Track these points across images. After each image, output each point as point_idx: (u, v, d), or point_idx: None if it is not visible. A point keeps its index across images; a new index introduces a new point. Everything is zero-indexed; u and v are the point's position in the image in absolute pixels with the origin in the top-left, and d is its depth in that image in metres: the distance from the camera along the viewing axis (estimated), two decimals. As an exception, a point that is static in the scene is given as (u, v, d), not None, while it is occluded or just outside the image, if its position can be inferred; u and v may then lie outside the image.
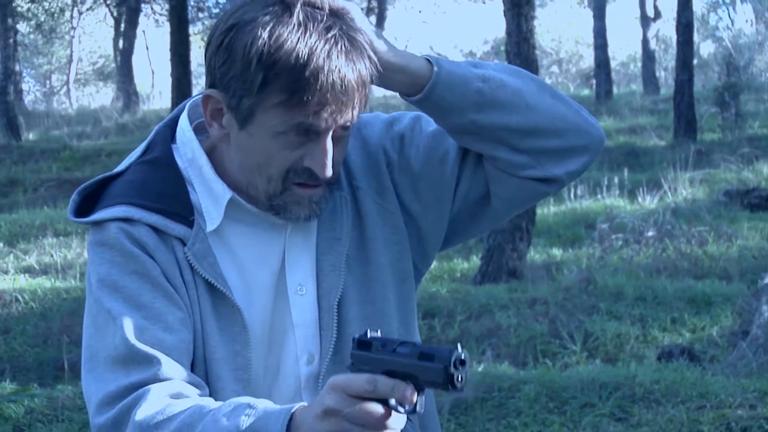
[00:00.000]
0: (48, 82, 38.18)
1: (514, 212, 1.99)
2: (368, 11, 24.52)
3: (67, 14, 29.40)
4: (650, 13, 23.37)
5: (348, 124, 1.72)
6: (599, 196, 11.68)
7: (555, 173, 1.85)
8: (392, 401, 1.49)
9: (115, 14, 25.93)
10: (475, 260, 9.28)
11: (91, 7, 29.37)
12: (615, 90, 22.70)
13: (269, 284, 1.80)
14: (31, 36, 30.93)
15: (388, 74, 1.76)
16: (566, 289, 7.86)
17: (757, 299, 6.94)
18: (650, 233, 9.28)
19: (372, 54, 1.72)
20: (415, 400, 1.48)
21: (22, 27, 26.17)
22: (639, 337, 6.99)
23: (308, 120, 1.67)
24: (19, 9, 23.43)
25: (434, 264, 9.38)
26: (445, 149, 1.88)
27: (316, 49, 1.64)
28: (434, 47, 36.62)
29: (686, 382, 5.68)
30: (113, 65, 30.31)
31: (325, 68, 1.64)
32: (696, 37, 20.59)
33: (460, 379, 1.43)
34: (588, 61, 29.90)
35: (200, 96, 1.79)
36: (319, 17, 1.67)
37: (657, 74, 24.50)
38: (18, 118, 18.99)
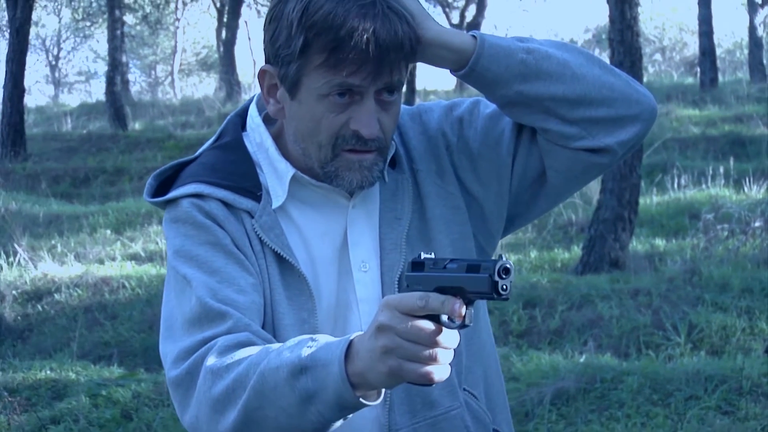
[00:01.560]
0: (153, 72, 38.93)
1: (574, 188, 2.01)
2: (468, 0, 24.42)
3: (172, 5, 29.91)
4: (758, -1, 22.83)
5: (390, 87, 1.78)
6: (704, 186, 11.46)
7: (606, 143, 1.88)
8: (443, 317, 1.52)
9: (218, 5, 26.27)
10: (576, 250, 9.19)
11: (194, -1, 29.85)
12: (720, 78, 22.25)
13: (332, 259, 1.87)
14: (137, 27, 31.54)
15: (433, 50, 1.83)
16: (670, 279, 7.74)
17: None
18: (757, 223, 9.09)
19: (411, 20, 1.78)
20: (464, 313, 1.52)
21: (128, 18, 26.69)
22: (745, 330, 6.85)
23: (347, 79, 1.74)
24: (125, 1, 23.90)
25: (535, 253, 9.37)
26: (501, 128, 1.94)
27: (351, 10, 1.72)
28: (535, 35, 36.43)
29: (795, 375, 5.56)
30: (216, 56, 30.76)
31: (360, 27, 1.72)
32: (805, 23, 20.08)
33: (505, 288, 1.49)
34: (692, 48, 29.39)
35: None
36: None
37: (764, 62, 23.94)
38: (124, 108, 19.37)
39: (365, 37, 1.71)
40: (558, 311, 7.39)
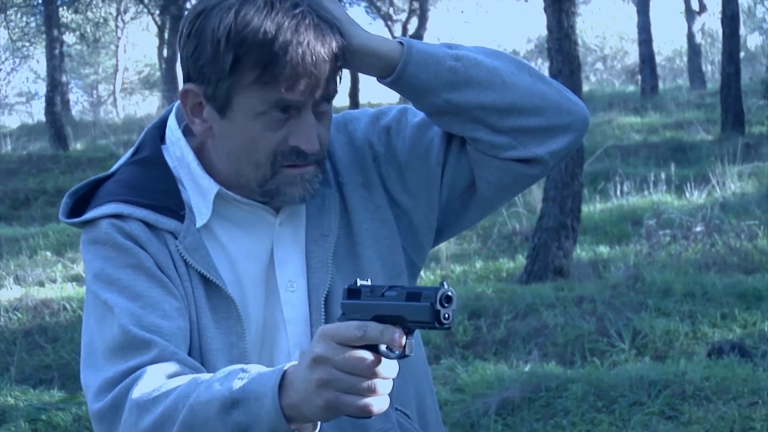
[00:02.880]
0: (95, 92, 38.62)
1: (503, 198, 1.96)
2: (410, 12, 24.49)
3: (112, 24, 29.69)
4: (695, 6, 23.14)
5: (327, 97, 1.73)
6: (646, 192, 11.56)
7: (537, 153, 1.83)
8: (382, 347, 1.47)
9: (158, 22, 26.12)
10: (521, 259, 9.21)
11: (134, 16, 29.67)
12: (661, 85, 22.53)
13: (259, 279, 1.80)
14: (77, 47, 31.28)
15: (360, 57, 1.78)
16: (613, 286, 7.78)
17: (809, 293, 6.82)
18: (698, 228, 9.16)
19: (341, 28, 1.73)
20: (404, 343, 1.46)
21: (67, 38, 26.46)
22: (688, 334, 6.88)
23: (285, 95, 1.68)
24: (63, 20, 23.68)
25: (480, 264, 9.38)
26: (430, 138, 1.88)
27: (283, 24, 1.66)
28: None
29: (737, 378, 5.58)
30: (158, 73, 30.56)
31: (294, 41, 1.66)
32: (742, 30, 20.36)
33: (447, 317, 1.43)
34: (633, 56, 29.70)
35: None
36: None
37: (703, 68, 24.27)
38: (65, 128, 19.16)
39: (300, 50, 1.65)
40: (503, 321, 7.38)
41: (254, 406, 1.52)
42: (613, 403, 5.53)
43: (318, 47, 1.67)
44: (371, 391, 1.47)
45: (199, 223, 1.78)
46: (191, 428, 1.56)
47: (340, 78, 1.77)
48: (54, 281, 9.69)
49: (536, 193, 10.54)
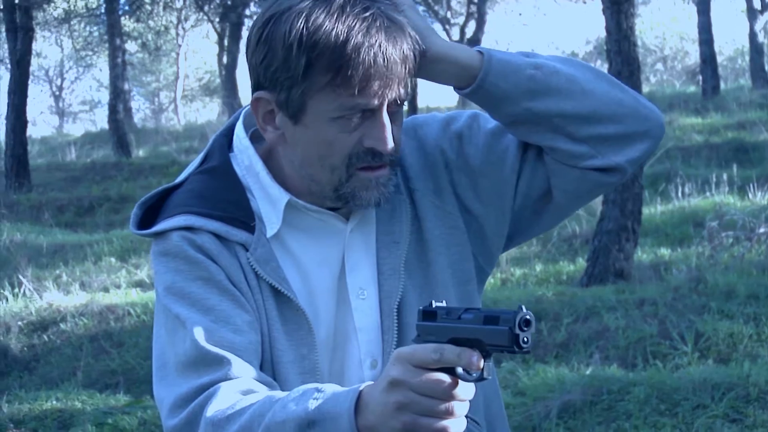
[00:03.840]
0: (156, 99, 39.05)
1: (578, 206, 1.96)
2: (468, 15, 24.45)
3: (173, 32, 30.00)
4: (757, 5, 22.83)
5: (399, 99, 1.72)
6: (708, 193, 11.44)
7: (616, 161, 1.82)
8: (459, 370, 1.47)
9: (218, 30, 26.35)
10: (581, 262, 9.17)
11: (194, 24, 29.95)
12: (722, 85, 22.26)
13: (331, 287, 1.79)
14: (139, 55, 31.65)
15: (439, 66, 1.77)
16: (675, 289, 7.71)
17: None
18: (762, 230, 9.06)
19: (413, 32, 1.72)
20: (482, 366, 1.46)
21: (129, 46, 26.79)
22: (752, 336, 6.81)
23: (358, 98, 1.67)
24: (125, 29, 23.98)
25: (540, 267, 9.34)
26: (505, 146, 1.87)
27: (354, 27, 1.66)
28: (536, 49, 36.43)
29: (803, 380, 5.52)
30: (218, 80, 30.82)
31: (366, 43, 1.66)
32: (805, 28, 20.07)
33: (525, 341, 1.43)
34: (693, 57, 29.38)
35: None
36: (357, 1, 1.69)
37: (766, 68, 23.91)
38: (128, 136, 19.40)
39: (372, 52, 1.65)
40: (564, 324, 7.35)
41: (330, 427, 1.52)
42: (676, 406, 5.49)
43: (389, 49, 1.67)
44: (449, 414, 1.47)
45: (269, 233, 1.77)
46: None
47: (411, 81, 1.76)
48: (118, 287, 9.82)
49: (596, 195, 10.48)
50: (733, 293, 7.47)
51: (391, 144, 1.72)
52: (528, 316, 1.43)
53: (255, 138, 1.84)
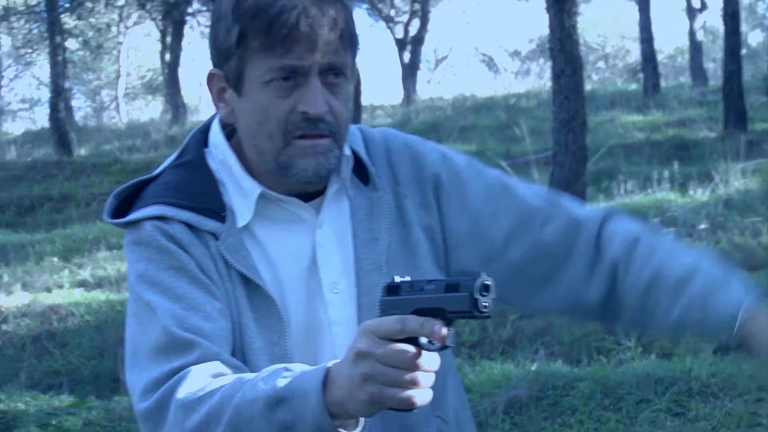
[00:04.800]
0: (98, 97, 38.67)
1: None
2: (411, 14, 24.52)
3: (114, 30, 29.74)
4: (696, 4, 23.15)
5: (333, 68, 1.75)
6: (649, 190, 11.57)
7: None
8: (423, 340, 1.49)
9: (160, 28, 26.17)
10: (526, 259, 9.23)
11: (136, 22, 29.72)
12: (663, 83, 22.54)
13: (300, 278, 1.81)
14: (80, 53, 31.33)
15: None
16: (619, 284, 7.79)
17: (814, 289, 6.83)
18: (702, 226, 9.19)
19: (350, 4, 1.78)
20: (444, 334, 1.49)
21: (70, 44, 26.50)
22: (694, 331, 6.90)
23: (285, 60, 1.72)
24: (66, 26, 23.72)
25: (485, 264, 9.36)
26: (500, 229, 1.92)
27: None
28: (479, 48, 36.58)
29: (743, 374, 5.60)
30: (161, 78, 30.62)
31: (289, 5, 1.71)
32: (744, 27, 20.39)
33: (485, 305, 1.46)
34: (635, 55, 29.72)
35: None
36: None
37: (705, 66, 24.25)
38: (69, 134, 19.20)
39: (296, 13, 1.70)
40: (509, 320, 7.41)
41: (299, 404, 1.54)
42: (620, 400, 5.56)
43: (314, 11, 1.71)
44: (414, 383, 1.49)
45: (240, 223, 1.80)
46: (236, 427, 1.58)
47: (351, 56, 1.78)
48: (61, 287, 9.72)
49: (540, 192, 10.56)
50: (675, 289, 7.57)
51: (322, 108, 1.74)
52: (487, 282, 1.46)
53: (230, 137, 1.88)
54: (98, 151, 19.52)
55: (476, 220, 1.91)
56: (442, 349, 1.51)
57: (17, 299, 9.10)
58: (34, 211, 14.75)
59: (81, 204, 14.68)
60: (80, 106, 37.09)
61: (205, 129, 1.92)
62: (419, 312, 1.50)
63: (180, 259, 1.76)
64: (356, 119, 17.34)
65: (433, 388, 1.71)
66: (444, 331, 1.48)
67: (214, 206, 1.80)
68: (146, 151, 18.86)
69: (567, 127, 8.62)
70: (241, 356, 1.75)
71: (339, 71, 1.76)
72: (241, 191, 1.83)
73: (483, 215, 1.91)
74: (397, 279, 1.58)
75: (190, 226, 1.78)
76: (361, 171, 1.87)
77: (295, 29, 1.71)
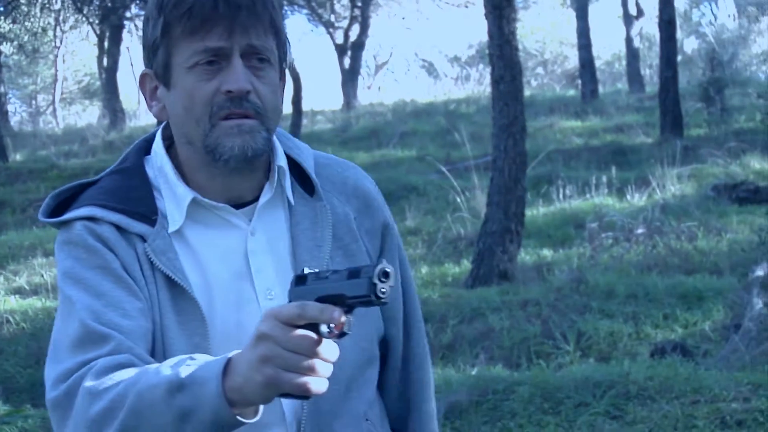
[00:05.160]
0: (34, 102, 38.13)
1: None
2: (351, 19, 24.52)
3: (50, 33, 29.38)
4: (633, 11, 23.41)
5: (255, 51, 1.79)
6: (588, 195, 11.69)
7: None
8: (323, 327, 1.52)
9: (98, 32, 25.89)
10: (466, 264, 9.27)
11: (73, 26, 29.36)
12: (600, 89, 22.75)
13: (230, 283, 1.84)
14: (15, 57, 30.88)
15: None
16: (557, 289, 7.86)
17: (748, 292, 6.95)
18: (640, 230, 9.29)
19: None
20: (343, 321, 1.52)
21: (5, 48, 26.14)
22: (632, 335, 6.98)
23: (206, 43, 1.77)
24: (1, 30, 23.40)
25: (425, 269, 9.41)
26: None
27: None
28: (419, 53, 36.67)
29: (680, 377, 5.68)
30: (98, 83, 30.29)
31: None
32: (679, 34, 20.64)
33: (384, 291, 1.49)
34: (573, 61, 29.97)
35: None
36: None
37: (642, 72, 24.53)
38: (5, 139, 18.94)
39: None
40: (449, 325, 7.43)
41: (198, 391, 1.56)
42: (559, 404, 5.59)
43: None
44: (311, 370, 1.51)
45: (171, 229, 1.83)
46: (138, 412, 1.61)
47: (273, 41, 1.83)
48: (-4, 294, 9.58)
49: (480, 198, 10.62)
50: (612, 293, 7.65)
51: (244, 84, 1.78)
52: (387, 269, 1.49)
53: (171, 147, 1.91)
54: (34, 156, 19.26)
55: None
56: (341, 335, 1.53)
57: (-49, 307, 8.94)
58: (-32, 218, 14.51)
59: (17, 210, 14.47)
60: (16, 111, 36.59)
61: (150, 138, 1.96)
62: (322, 299, 1.54)
63: (105, 258, 1.80)
64: (297, 124, 17.29)
65: (366, 392, 1.84)
66: (343, 317, 1.51)
67: (146, 210, 1.84)
68: (84, 157, 18.65)
69: (506, 133, 8.66)
70: (162, 357, 1.77)
71: (262, 56, 1.81)
72: (174, 197, 1.86)
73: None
74: (306, 270, 1.62)
75: (119, 228, 1.82)
76: (306, 183, 1.91)
77: (215, 11, 1.76)
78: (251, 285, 1.84)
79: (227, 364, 1.56)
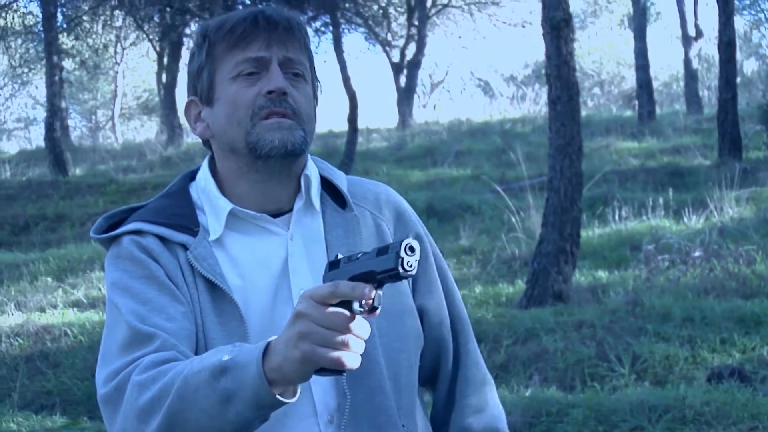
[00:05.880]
0: (94, 117, 38.64)
1: None
2: (408, 38, 24.58)
3: (111, 50, 29.77)
4: (691, 32, 23.24)
5: (290, 64, 1.97)
6: (644, 217, 11.59)
7: None
8: (355, 305, 1.62)
9: (157, 49, 26.20)
10: (521, 284, 9.24)
11: (134, 43, 29.76)
12: (658, 110, 22.57)
13: (268, 285, 1.96)
14: (76, 72, 31.34)
15: None
16: (613, 311, 7.80)
17: (808, 318, 6.84)
18: (697, 253, 9.19)
19: (303, 23, 2.03)
20: (373, 295, 1.62)
21: (67, 64, 26.52)
22: (688, 359, 6.91)
23: (247, 53, 1.95)
24: (63, 46, 23.75)
25: (479, 288, 9.39)
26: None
27: (240, 8, 1.91)
28: (475, 72, 36.65)
29: (737, 403, 5.61)
30: (157, 99, 30.63)
31: (247, 11, 1.99)
32: (739, 55, 20.44)
33: (410, 264, 1.58)
34: (630, 82, 29.79)
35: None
36: None
37: (700, 93, 24.32)
38: (65, 154, 19.18)
39: (254, 14, 1.96)
40: (503, 346, 7.41)
41: (240, 373, 1.67)
42: (614, 428, 5.55)
43: (269, 11, 1.98)
44: (344, 345, 1.61)
45: (212, 237, 1.97)
46: (183, 397, 1.71)
47: (307, 58, 2.01)
48: (55, 307, 9.70)
49: (535, 218, 10.57)
50: (669, 316, 7.58)
51: (281, 82, 1.94)
52: (413, 244, 1.58)
53: (214, 170, 2.07)
54: (93, 171, 19.50)
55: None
56: (372, 310, 1.64)
57: (10, 319, 9.08)
58: (28, 231, 14.71)
59: (75, 224, 14.66)
60: (76, 126, 37.09)
61: (197, 169, 2.11)
62: (353, 279, 1.64)
63: (150, 268, 1.93)
64: (352, 142, 17.35)
65: (403, 399, 1.98)
66: (373, 293, 1.62)
67: (188, 223, 1.98)
68: (141, 172, 18.86)
69: (563, 153, 8.63)
70: None
71: (297, 71, 1.98)
72: (215, 210, 1.99)
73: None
74: (339, 255, 1.73)
75: (163, 240, 1.96)
76: (339, 199, 2.06)
77: (255, 27, 1.96)
78: (288, 286, 1.96)
79: (266, 348, 1.66)
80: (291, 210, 2.00)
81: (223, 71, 1.97)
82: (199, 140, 2.09)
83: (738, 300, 8.08)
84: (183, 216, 1.99)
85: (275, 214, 2.00)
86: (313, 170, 2.04)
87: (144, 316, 1.86)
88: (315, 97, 2.04)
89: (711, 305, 7.76)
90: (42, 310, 9.57)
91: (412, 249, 1.58)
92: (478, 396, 2.16)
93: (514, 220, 11.22)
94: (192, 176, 2.09)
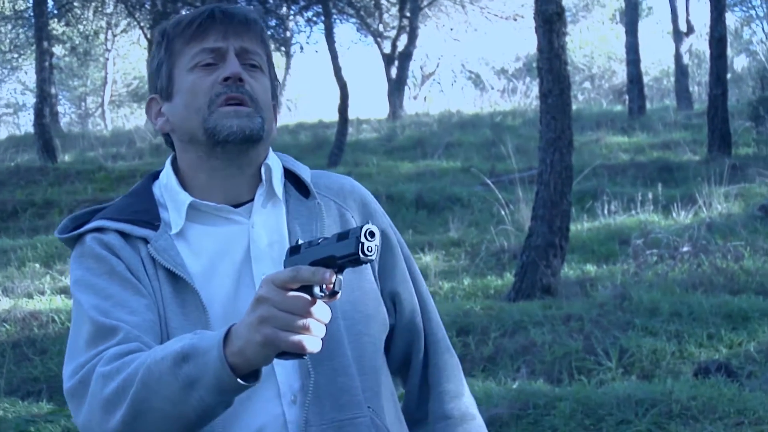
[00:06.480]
0: (83, 104, 38.54)
1: None
2: (399, 29, 24.56)
3: (102, 37, 29.67)
4: (683, 28, 23.27)
5: (246, 54, 2.01)
6: (633, 211, 11.62)
7: None
8: (316, 289, 1.64)
9: (148, 36, 26.12)
10: (509, 277, 9.25)
11: (124, 30, 29.66)
12: (648, 105, 22.60)
13: (231, 273, 1.99)
14: (66, 59, 31.24)
15: None
16: (601, 305, 7.82)
17: (795, 314, 6.86)
18: (685, 248, 9.22)
19: (259, 17, 2.09)
20: (333, 280, 1.64)
21: (57, 50, 26.42)
22: (675, 353, 6.93)
23: (203, 44, 2.00)
24: (54, 32, 23.65)
25: (468, 281, 9.40)
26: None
27: (198, 6, 1.95)
28: (466, 65, 36.64)
29: (724, 398, 5.63)
30: (147, 87, 30.51)
31: (204, 7, 2.04)
32: (729, 51, 20.48)
33: (370, 249, 1.60)
34: (621, 76, 29.83)
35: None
36: None
37: (690, 89, 24.36)
38: (54, 141, 19.11)
39: (210, 8, 2.01)
40: (491, 338, 7.41)
41: (202, 359, 1.69)
42: (600, 421, 5.56)
43: (225, 6, 2.03)
44: (305, 329, 1.63)
45: (173, 231, 2.00)
46: (147, 385, 1.73)
47: (263, 51, 2.05)
48: (42, 293, 9.68)
49: (525, 211, 10.59)
50: (656, 310, 7.60)
51: (237, 68, 1.98)
52: (372, 229, 1.60)
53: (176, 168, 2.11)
54: (82, 157, 19.44)
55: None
56: (332, 295, 1.65)
57: (-2, 305, 9.05)
58: (16, 217, 14.66)
59: (64, 210, 14.60)
60: (65, 112, 36.99)
61: (161, 169, 2.14)
62: (314, 263, 1.66)
63: (111, 264, 1.96)
64: (342, 132, 17.34)
65: (368, 381, 1.99)
66: (333, 277, 1.64)
67: (149, 218, 2.02)
68: (131, 159, 18.82)
69: (553, 147, 8.63)
70: None
71: (254, 62, 2.02)
72: (176, 205, 2.03)
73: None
74: (299, 241, 1.75)
75: (124, 235, 2.00)
76: (302, 189, 2.08)
77: (211, 19, 2.01)
78: (250, 273, 1.98)
79: (228, 333, 1.68)
80: (253, 200, 2.03)
81: (181, 64, 2.01)
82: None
83: (725, 295, 8.10)
84: (144, 212, 2.02)
85: (237, 204, 2.02)
86: (275, 161, 2.08)
87: (107, 310, 1.89)
88: (274, 96, 2.08)
89: (699, 300, 7.78)
90: (29, 296, 9.55)
91: (372, 234, 1.60)
92: (454, 382, 2.19)
93: (503, 212, 11.23)
94: (156, 176, 2.13)
